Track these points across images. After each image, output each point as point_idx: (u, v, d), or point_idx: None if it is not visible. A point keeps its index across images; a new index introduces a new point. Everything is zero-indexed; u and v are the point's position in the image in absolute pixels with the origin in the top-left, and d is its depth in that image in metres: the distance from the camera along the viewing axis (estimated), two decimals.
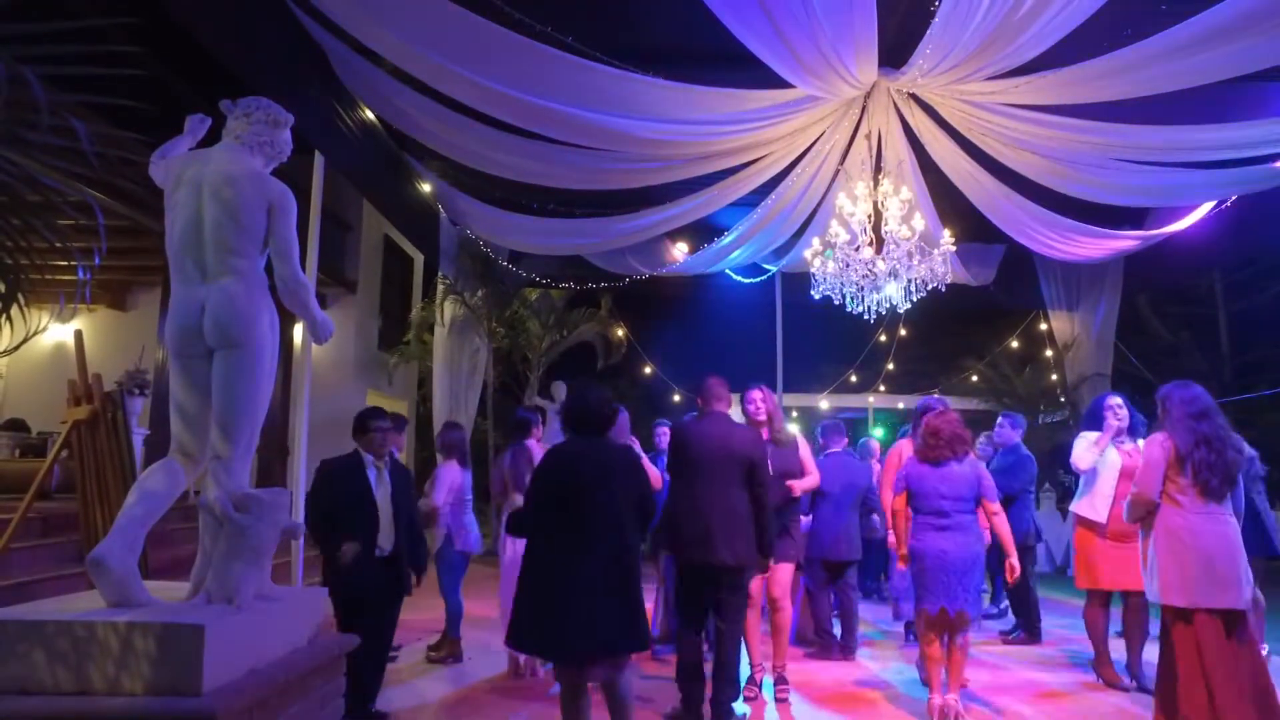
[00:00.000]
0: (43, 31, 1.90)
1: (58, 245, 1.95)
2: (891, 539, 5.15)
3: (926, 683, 4.44)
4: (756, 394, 4.94)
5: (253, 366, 2.80)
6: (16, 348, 2.12)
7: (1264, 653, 4.97)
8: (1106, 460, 4.82)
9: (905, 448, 5.26)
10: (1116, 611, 5.06)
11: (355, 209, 11.44)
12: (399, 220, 10.10)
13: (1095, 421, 4.95)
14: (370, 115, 7.81)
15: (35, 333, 2.14)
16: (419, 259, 13.83)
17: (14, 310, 2.26)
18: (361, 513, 4.03)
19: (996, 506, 4.22)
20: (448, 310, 10.76)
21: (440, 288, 10.79)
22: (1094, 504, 4.83)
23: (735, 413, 4.61)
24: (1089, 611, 4.94)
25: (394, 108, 7.26)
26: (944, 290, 7.41)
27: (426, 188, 9.24)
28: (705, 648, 4.30)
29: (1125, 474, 4.66)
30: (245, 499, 2.66)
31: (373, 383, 12.22)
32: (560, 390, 11.82)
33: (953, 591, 4.01)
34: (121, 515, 2.59)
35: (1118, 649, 5.00)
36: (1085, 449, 4.87)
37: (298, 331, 7.56)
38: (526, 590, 3.20)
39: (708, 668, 4.01)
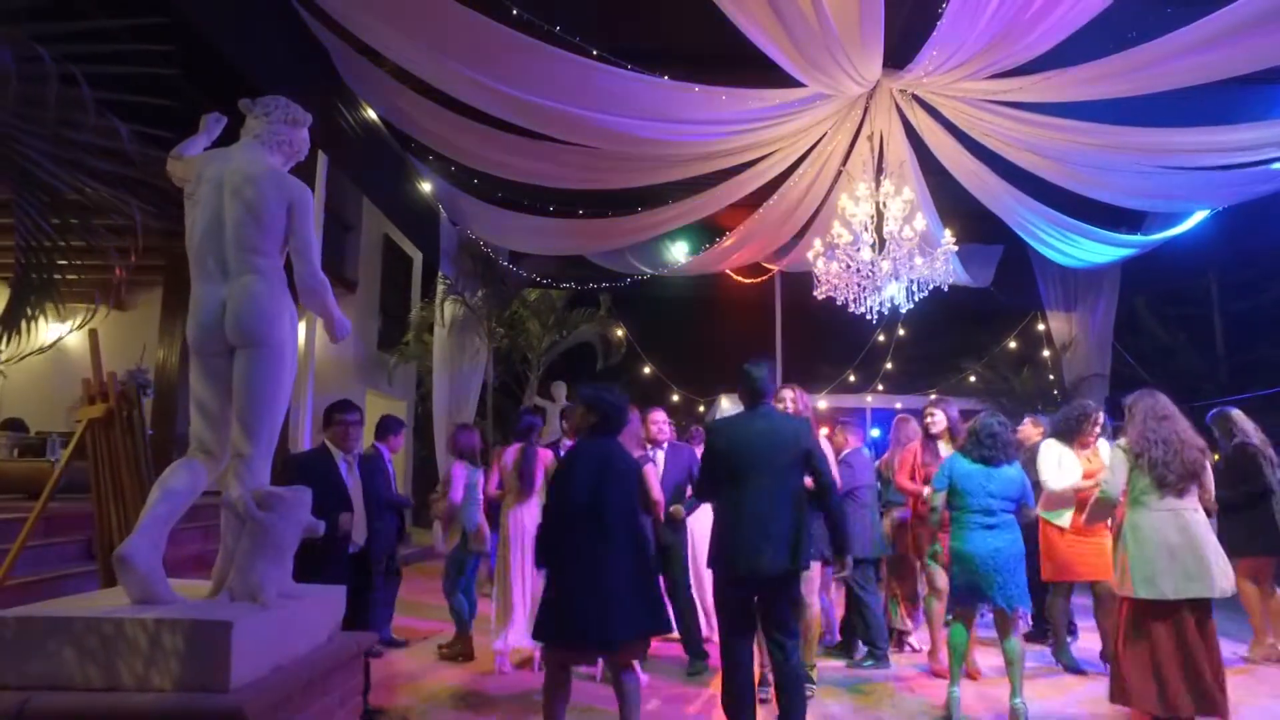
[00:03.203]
0: (78, 30, 1.91)
1: (92, 246, 1.95)
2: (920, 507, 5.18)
3: (940, 675, 4.48)
4: (788, 393, 4.80)
5: (274, 364, 2.80)
6: (51, 346, 2.13)
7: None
8: (1067, 467, 4.96)
9: (917, 444, 5.29)
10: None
11: (355, 208, 11.44)
12: (400, 220, 10.10)
13: (1066, 433, 5.06)
14: (372, 115, 7.82)
15: (72, 330, 2.14)
16: (418, 258, 13.82)
17: (25, 310, 2.27)
18: (335, 507, 4.05)
19: (1035, 511, 4.33)
20: (448, 310, 10.77)
21: (440, 288, 10.79)
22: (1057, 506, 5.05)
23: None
24: (1052, 601, 5.20)
25: (396, 108, 7.27)
26: (946, 290, 7.47)
27: (427, 187, 9.25)
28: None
29: (1087, 477, 4.92)
30: (268, 497, 2.66)
31: (372, 383, 12.21)
32: (560, 390, 11.83)
33: (1007, 589, 4.04)
34: (145, 514, 2.60)
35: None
36: (1056, 474, 4.95)
37: (300, 330, 7.57)
38: (558, 583, 3.40)
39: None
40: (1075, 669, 5.05)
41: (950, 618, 4.38)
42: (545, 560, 3.53)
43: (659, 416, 5.50)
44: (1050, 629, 6.08)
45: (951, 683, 4.17)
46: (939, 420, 5.17)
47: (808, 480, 3.72)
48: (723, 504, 3.69)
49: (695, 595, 5.48)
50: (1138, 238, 9.25)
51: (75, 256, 2.01)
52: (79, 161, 1.73)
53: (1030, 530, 5.19)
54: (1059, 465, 4.97)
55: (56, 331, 2.80)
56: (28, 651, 2.25)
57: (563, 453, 5.01)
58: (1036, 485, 5.04)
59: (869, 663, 5.21)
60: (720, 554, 3.61)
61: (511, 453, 5.23)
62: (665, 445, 5.43)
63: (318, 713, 2.66)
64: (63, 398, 9.51)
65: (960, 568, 4.16)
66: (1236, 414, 5.58)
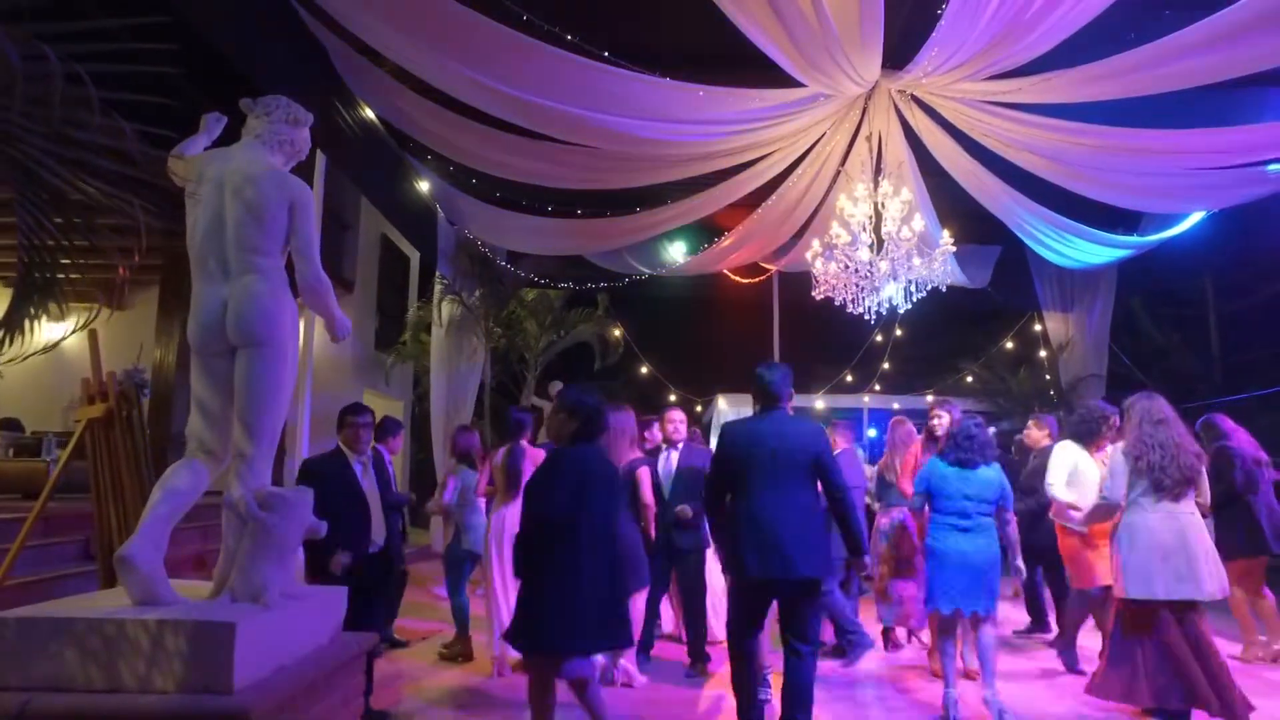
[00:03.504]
0: (81, 30, 1.90)
1: (95, 245, 1.95)
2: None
3: (938, 675, 4.51)
4: None
5: (275, 364, 2.80)
6: (55, 345, 2.12)
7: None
8: (1085, 476, 4.84)
9: (918, 446, 5.30)
10: None
11: (353, 208, 11.41)
12: (398, 220, 10.09)
13: (1086, 435, 4.95)
14: (370, 114, 7.81)
15: (76, 330, 2.14)
16: (415, 258, 13.80)
17: (29, 310, 2.26)
18: (353, 508, 4.08)
19: (1011, 515, 4.33)
20: (445, 310, 10.75)
21: (438, 288, 10.78)
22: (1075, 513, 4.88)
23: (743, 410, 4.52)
24: (1071, 605, 5.19)
25: (395, 108, 7.26)
26: (944, 291, 7.48)
27: (425, 187, 9.23)
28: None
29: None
30: (270, 497, 2.66)
31: (369, 383, 12.18)
32: (557, 390, 11.83)
33: (971, 592, 4.08)
34: (146, 514, 2.59)
35: None
36: (1062, 480, 4.79)
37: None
38: (532, 590, 3.30)
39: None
40: (1075, 669, 5.05)
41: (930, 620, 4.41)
42: (522, 568, 3.42)
43: (675, 416, 5.45)
44: (1041, 622, 6.13)
45: (946, 684, 4.18)
46: (945, 421, 5.11)
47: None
48: (734, 508, 3.63)
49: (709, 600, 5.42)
50: (1134, 239, 9.28)
51: (78, 256, 2.00)
52: (83, 161, 1.71)
53: (1049, 535, 5.17)
54: (1071, 471, 4.83)
55: (53, 331, 2.78)
56: (30, 652, 2.25)
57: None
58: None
59: (852, 652, 5.20)
60: (735, 558, 3.57)
61: (503, 452, 5.23)
62: (680, 445, 5.38)
63: (320, 713, 2.66)
64: (59, 397, 9.47)
65: (933, 566, 4.23)
66: (1223, 419, 5.63)
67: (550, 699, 3.46)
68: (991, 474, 4.24)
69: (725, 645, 3.78)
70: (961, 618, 4.19)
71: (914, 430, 5.63)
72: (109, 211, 2.01)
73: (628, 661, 4.71)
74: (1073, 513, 4.72)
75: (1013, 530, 4.33)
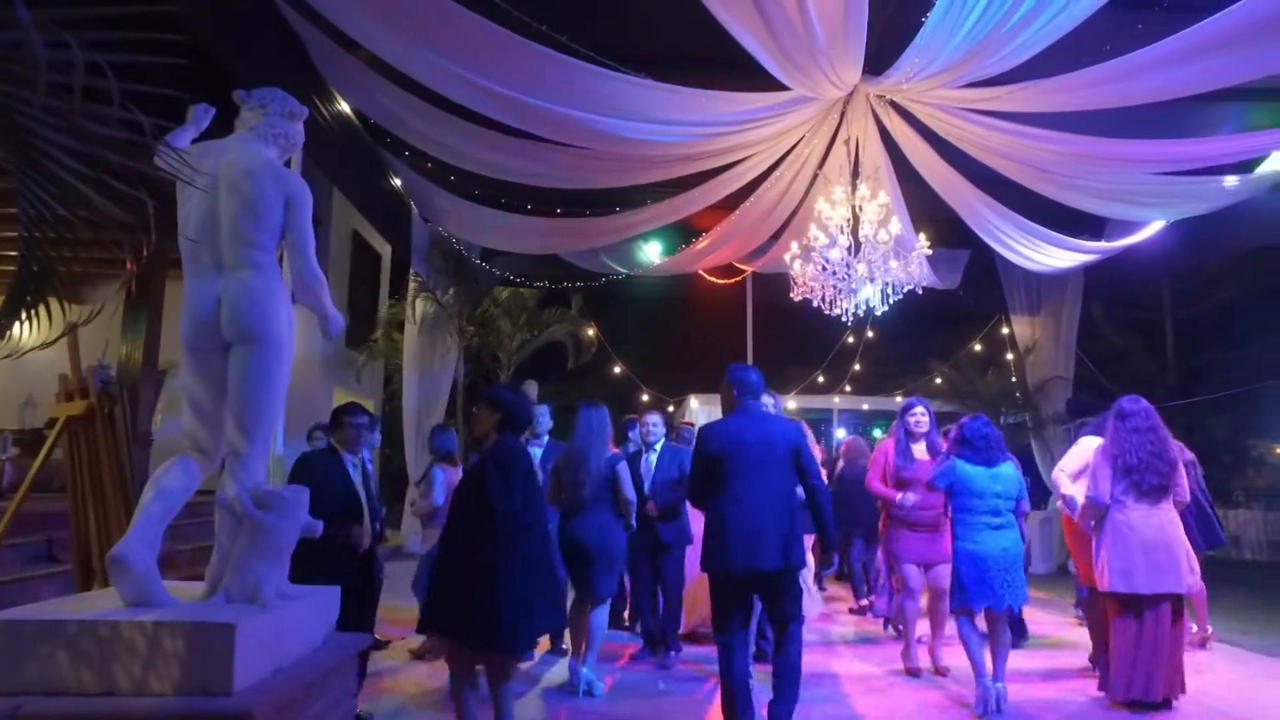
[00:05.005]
0: (93, 17, 1.85)
1: (100, 239, 1.91)
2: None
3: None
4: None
5: (271, 360, 2.75)
6: (54, 342, 2.06)
7: (1208, 632, 5.46)
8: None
9: (889, 445, 5.33)
10: None
11: (325, 204, 11.25)
12: (372, 216, 9.97)
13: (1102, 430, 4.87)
14: (346, 108, 7.70)
15: (74, 326, 2.09)
16: (387, 254, 13.65)
17: (25, 302, 2.20)
18: (346, 507, 4.03)
19: (1028, 508, 4.48)
20: (419, 308, 10.65)
21: (412, 285, 10.67)
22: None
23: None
24: (1089, 607, 5.04)
25: (375, 102, 7.16)
26: (920, 293, 7.61)
27: (400, 183, 9.13)
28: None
29: None
30: (267, 496, 2.62)
31: (340, 380, 12.03)
32: (532, 389, 11.78)
33: (1014, 588, 4.14)
34: (138, 513, 2.53)
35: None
36: (1068, 476, 4.71)
37: None
38: (512, 582, 3.24)
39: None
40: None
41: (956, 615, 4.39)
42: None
43: (649, 419, 5.60)
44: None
45: (978, 674, 4.18)
46: (925, 421, 5.14)
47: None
48: (714, 505, 3.70)
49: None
50: (1101, 244, 9.54)
51: (80, 249, 1.96)
52: (97, 156, 1.68)
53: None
54: (1085, 465, 4.76)
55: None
56: (20, 655, 2.18)
57: (533, 450, 5.07)
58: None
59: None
60: (714, 554, 3.65)
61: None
62: (658, 445, 5.47)
63: (316, 714, 2.63)
64: (14, 394, 9.19)
65: (970, 568, 4.20)
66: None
67: (479, 691, 3.42)
68: (1011, 470, 4.34)
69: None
70: (991, 612, 4.22)
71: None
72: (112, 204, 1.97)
73: (588, 669, 4.67)
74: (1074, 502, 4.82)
75: (1023, 524, 4.45)
